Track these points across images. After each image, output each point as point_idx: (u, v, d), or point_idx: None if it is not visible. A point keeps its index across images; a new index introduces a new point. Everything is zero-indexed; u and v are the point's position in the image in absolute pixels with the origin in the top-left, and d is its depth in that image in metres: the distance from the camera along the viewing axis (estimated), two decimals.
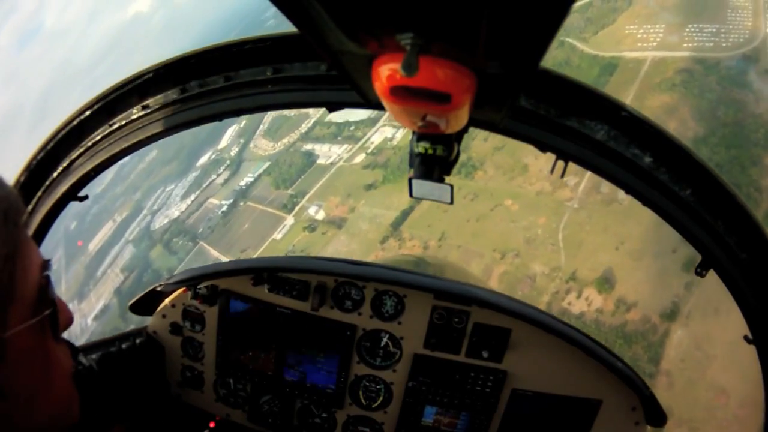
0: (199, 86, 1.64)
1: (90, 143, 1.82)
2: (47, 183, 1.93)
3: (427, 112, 0.90)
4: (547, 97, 1.37)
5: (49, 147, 1.85)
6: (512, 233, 50.60)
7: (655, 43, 60.57)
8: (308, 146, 79.65)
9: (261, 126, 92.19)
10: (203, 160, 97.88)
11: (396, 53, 0.76)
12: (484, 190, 56.51)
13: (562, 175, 1.50)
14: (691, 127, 47.18)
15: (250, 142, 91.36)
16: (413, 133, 1.17)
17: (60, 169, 1.89)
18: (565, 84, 1.34)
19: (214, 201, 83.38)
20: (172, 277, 2.88)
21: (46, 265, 0.94)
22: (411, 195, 1.33)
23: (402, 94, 0.80)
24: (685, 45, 58.70)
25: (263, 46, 1.52)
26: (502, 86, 0.89)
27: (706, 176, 1.38)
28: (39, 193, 1.95)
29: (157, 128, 1.74)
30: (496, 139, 57.90)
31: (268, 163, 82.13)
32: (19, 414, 0.90)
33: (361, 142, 73.45)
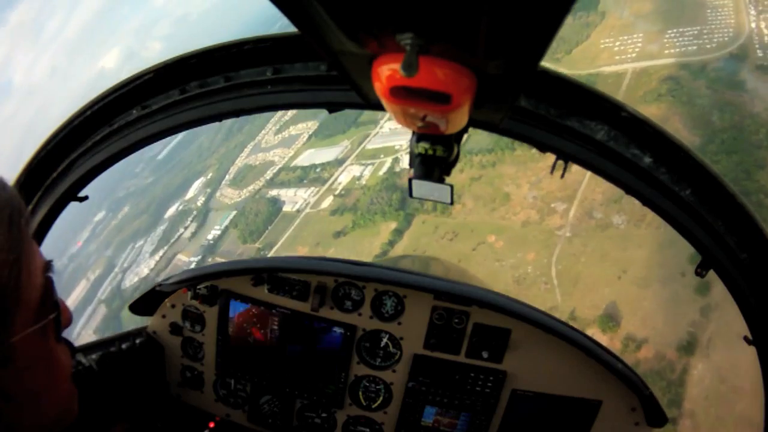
0: (199, 86, 1.64)
1: (90, 143, 1.82)
2: (47, 183, 1.93)
3: (427, 113, 0.89)
4: (547, 97, 1.37)
5: (49, 147, 1.85)
6: (499, 274, 47.70)
7: (634, 54, 58.85)
8: (273, 192, 79.32)
9: (227, 176, 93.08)
10: (171, 211, 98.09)
11: (396, 53, 0.76)
12: (463, 227, 54.48)
13: (562, 176, 1.50)
14: (684, 137, 44.57)
15: (216, 191, 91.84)
16: (413, 133, 1.17)
17: (60, 169, 1.89)
18: (565, 84, 1.34)
19: (182, 257, 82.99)
20: (171, 277, 2.88)
21: (48, 266, 0.94)
22: (411, 195, 1.33)
23: (402, 94, 0.80)
24: (666, 52, 56.68)
25: (263, 47, 1.52)
26: (502, 86, 0.89)
27: (706, 176, 1.38)
28: (39, 193, 1.95)
29: (157, 128, 1.74)
30: (472, 169, 56.65)
31: (234, 212, 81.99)
32: (24, 415, 0.90)
33: (328, 184, 72.92)
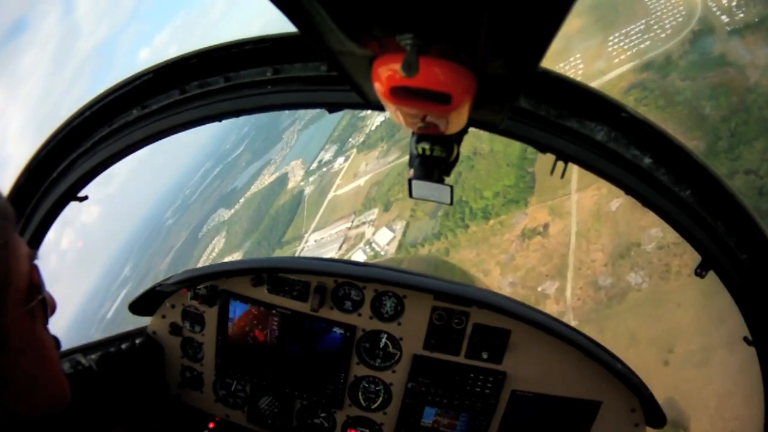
0: (199, 86, 1.65)
1: (90, 143, 1.82)
2: (47, 183, 1.93)
3: (427, 113, 0.90)
4: (547, 98, 1.37)
5: (49, 147, 1.85)
6: None
7: (579, 77, 50.94)
8: None
9: None
10: None
11: (396, 54, 0.76)
12: None
13: (562, 176, 1.50)
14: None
15: None
16: (413, 133, 1.17)
17: (60, 169, 1.89)
18: (565, 84, 1.34)
19: None
20: (171, 277, 2.87)
21: (32, 255, 0.99)
22: (411, 196, 1.33)
23: (402, 94, 0.80)
24: (617, 60, 49.28)
25: (263, 47, 1.52)
26: (502, 87, 0.89)
27: (706, 177, 1.38)
28: (39, 193, 1.95)
29: (157, 128, 1.74)
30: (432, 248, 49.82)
31: None
32: (19, 401, 0.95)
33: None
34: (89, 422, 1.75)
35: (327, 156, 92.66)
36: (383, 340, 2.83)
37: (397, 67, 0.71)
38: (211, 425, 3.13)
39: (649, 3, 51.16)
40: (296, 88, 1.56)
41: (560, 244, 41.10)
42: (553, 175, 1.52)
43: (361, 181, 74.06)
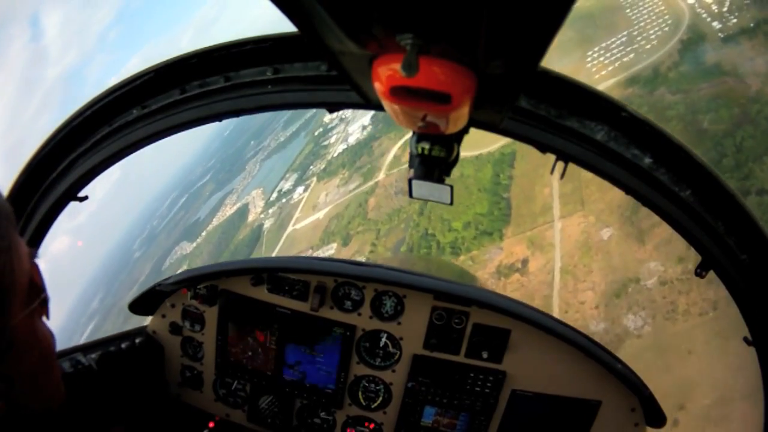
0: (199, 86, 1.64)
1: (90, 143, 1.82)
2: (47, 182, 1.93)
3: (427, 113, 0.90)
4: (547, 98, 1.37)
5: (49, 147, 1.85)
6: None
7: None
8: None
9: None
10: None
11: (396, 53, 0.76)
12: None
13: (562, 176, 1.50)
14: None
15: None
16: (413, 133, 1.17)
17: (60, 169, 1.89)
18: (565, 84, 1.33)
19: None
20: (171, 277, 2.88)
21: (32, 254, 1.00)
22: (411, 196, 1.33)
23: (402, 94, 0.80)
24: (597, 76, 44.43)
25: (263, 47, 1.52)
26: (502, 86, 0.89)
27: (706, 177, 1.38)
28: (39, 193, 1.95)
29: (157, 128, 1.74)
30: None
31: None
32: (24, 398, 0.96)
33: None
34: (89, 421, 1.75)
35: (287, 185, 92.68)
36: (383, 339, 2.83)
37: (397, 66, 0.71)
38: (211, 424, 3.13)
39: (630, 13, 47.13)
40: (296, 88, 1.56)
41: (542, 283, 35.58)
42: (553, 174, 1.52)
43: (321, 214, 73.30)
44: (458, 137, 1.20)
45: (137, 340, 2.92)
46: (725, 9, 42.13)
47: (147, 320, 3.08)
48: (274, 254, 75.09)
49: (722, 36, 40.09)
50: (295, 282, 2.80)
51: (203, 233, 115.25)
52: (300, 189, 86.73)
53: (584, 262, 35.28)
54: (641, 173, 1.40)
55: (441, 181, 1.23)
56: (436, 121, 0.94)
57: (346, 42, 0.75)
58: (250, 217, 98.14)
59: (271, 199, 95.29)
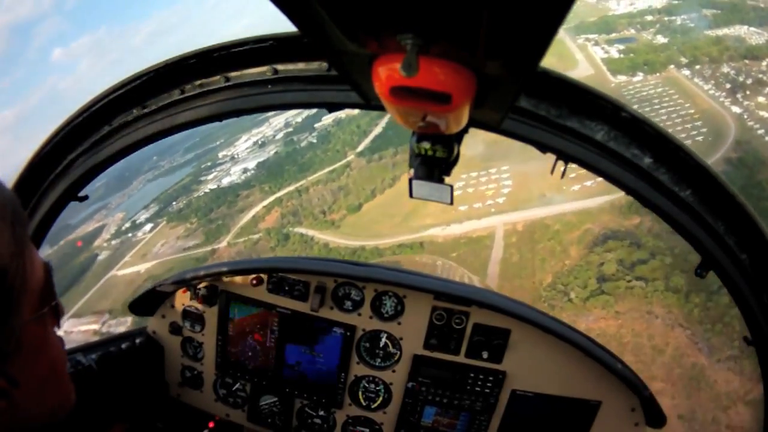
0: (199, 86, 1.65)
1: (90, 143, 1.82)
2: (47, 182, 1.93)
3: (427, 113, 0.90)
4: (547, 97, 1.37)
5: (49, 147, 1.85)
6: None
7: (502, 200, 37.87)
8: None
9: None
10: None
11: (396, 53, 0.76)
12: None
13: (562, 176, 1.50)
14: None
15: None
16: (413, 133, 1.17)
17: (60, 168, 1.89)
18: (565, 84, 1.33)
19: None
20: (171, 277, 2.88)
21: (45, 263, 1.01)
22: (411, 196, 1.33)
23: (402, 94, 0.80)
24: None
25: (263, 46, 1.52)
26: (502, 86, 0.89)
27: (707, 177, 1.38)
28: (39, 193, 1.95)
29: (157, 128, 1.74)
30: None
31: None
32: (30, 402, 0.96)
33: None
34: (89, 421, 1.75)
35: (142, 217, 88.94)
36: (383, 339, 2.83)
37: (397, 66, 0.71)
38: (211, 424, 3.13)
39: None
40: (296, 88, 1.56)
41: None
42: (553, 174, 1.52)
43: (143, 268, 69.27)
44: (458, 137, 1.20)
45: (137, 341, 2.93)
46: None
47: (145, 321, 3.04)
48: (80, 302, 70.41)
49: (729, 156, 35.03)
50: (296, 282, 2.80)
51: (62, 242, 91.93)
52: (148, 227, 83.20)
53: None
54: (641, 173, 1.40)
55: (441, 181, 1.23)
56: (436, 121, 0.94)
57: (346, 42, 0.75)
58: (97, 242, 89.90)
59: (123, 228, 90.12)
